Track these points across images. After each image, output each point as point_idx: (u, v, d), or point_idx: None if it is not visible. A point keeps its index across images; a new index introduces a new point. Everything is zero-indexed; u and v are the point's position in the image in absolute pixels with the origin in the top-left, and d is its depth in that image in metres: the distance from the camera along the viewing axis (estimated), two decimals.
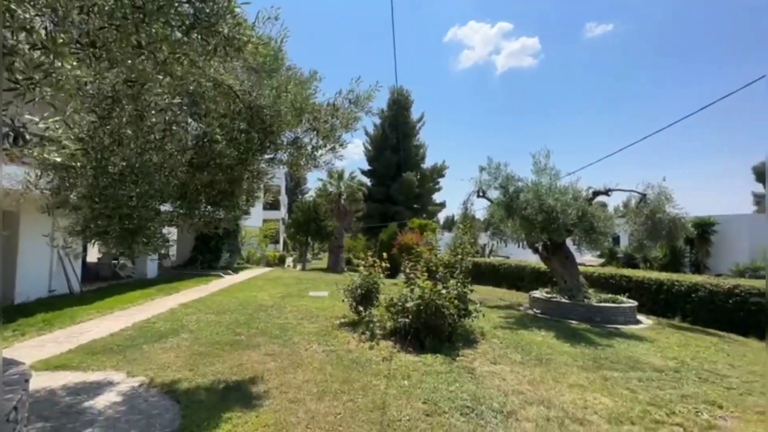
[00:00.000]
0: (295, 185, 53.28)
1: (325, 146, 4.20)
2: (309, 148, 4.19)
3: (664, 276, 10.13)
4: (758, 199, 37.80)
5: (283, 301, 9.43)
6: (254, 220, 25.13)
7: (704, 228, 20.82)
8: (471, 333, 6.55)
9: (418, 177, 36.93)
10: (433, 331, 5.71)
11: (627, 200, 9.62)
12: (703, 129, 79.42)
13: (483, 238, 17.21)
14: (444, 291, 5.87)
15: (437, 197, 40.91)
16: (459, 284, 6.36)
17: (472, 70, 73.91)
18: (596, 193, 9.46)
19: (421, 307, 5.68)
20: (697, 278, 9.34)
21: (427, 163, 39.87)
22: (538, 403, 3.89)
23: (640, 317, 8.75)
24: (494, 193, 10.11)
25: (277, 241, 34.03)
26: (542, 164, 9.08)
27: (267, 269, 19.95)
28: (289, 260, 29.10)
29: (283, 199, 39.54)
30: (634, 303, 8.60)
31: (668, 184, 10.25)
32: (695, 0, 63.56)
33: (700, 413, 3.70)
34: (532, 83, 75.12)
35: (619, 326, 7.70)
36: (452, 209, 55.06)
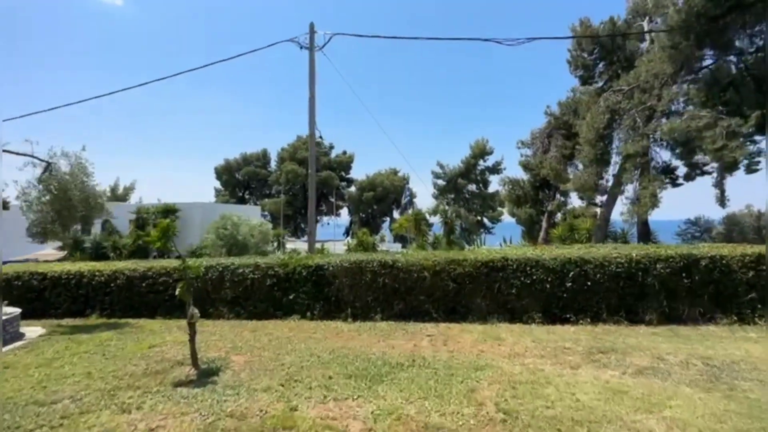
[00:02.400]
0: None
1: None
2: None
3: (87, 267, 8.48)
4: (217, 192, 48.91)
5: None
6: None
7: (168, 213, 22.56)
8: None
9: None
10: None
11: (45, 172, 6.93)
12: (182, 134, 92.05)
13: None
14: None
15: None
16: None
17: None
18: None
19: None
20: (119, 265, 8.50)
21: None
22: None
23: (29, 328, 6.40)
24: None
25: None
26: None
27: None
28: None
29: None
30: (14, 311, 6.07)
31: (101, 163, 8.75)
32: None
33: None
34: None
35: None
36: None
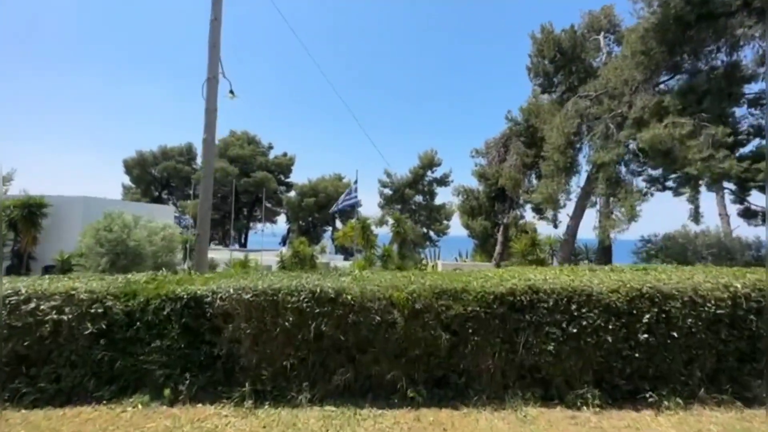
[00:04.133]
0: None
1: None
2: None
3: None
4: (127, 189, 41.05)
5: None
6: None
7: (32, 209, 16.67)
8: None
9: None
10: None
11: None
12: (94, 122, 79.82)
13: None
14: None
15: None
16: None
17: None
18: None
19: None
20: None
21: None
22: None
23: None
24: None
25: None
26: None
27: None
28: None
29: None
30: None
31: None
32: None
33: None
34: None
35: None
36: None
